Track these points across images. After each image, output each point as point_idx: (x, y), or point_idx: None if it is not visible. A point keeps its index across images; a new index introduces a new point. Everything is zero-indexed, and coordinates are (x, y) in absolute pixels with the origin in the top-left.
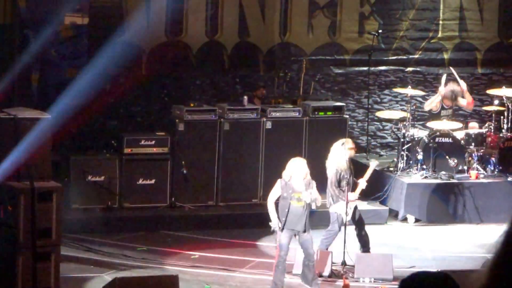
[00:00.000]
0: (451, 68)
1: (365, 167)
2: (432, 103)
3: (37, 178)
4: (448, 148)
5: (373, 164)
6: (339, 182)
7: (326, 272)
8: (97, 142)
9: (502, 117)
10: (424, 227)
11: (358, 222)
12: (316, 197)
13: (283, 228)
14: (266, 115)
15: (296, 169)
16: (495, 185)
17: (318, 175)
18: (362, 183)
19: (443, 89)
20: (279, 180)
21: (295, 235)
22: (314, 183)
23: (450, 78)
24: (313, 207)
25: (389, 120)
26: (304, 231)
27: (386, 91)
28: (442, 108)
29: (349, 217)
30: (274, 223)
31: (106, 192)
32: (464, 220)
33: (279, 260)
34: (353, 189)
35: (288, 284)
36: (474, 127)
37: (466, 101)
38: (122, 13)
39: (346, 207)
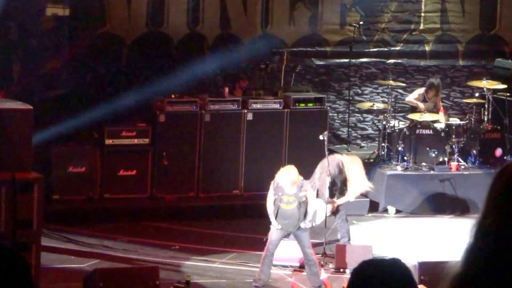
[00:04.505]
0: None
1: None
2: (411, 101)
3: (18, 169)
4: (429, 139)
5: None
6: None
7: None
8: (78, 133)
9: (482, 109)
10: (404, 218)
11: (340, 213)
12: (311, 209)
13: (280, 228)
14: (247, 106)
15: (283, 178)
16: (475, 176)
17: (299, 166)
18: (350, 197)
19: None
20: (272, 182)
21: (289, 234)
22: (307, 185)
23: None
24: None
25: (370, 112)
26: (298, 230)
27: (367, 83)
28: (424, 100)
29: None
30: (274, 225)
31: (87, 183)
32: (445, 211)
33: (266, 254)
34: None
35: (272, 277)
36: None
37: (440, 106)
38: (103, 4)
39: (326, 209)
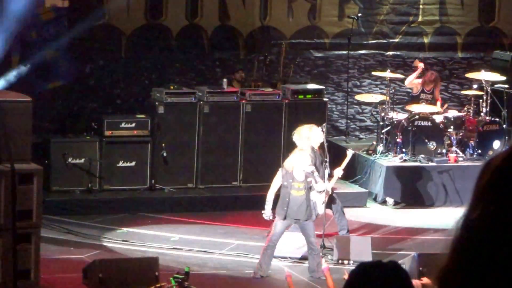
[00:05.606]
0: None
1: (342, 149)
2: (411, 81)
3: (17, 160)
4: (427, 131)
5: (350, 154)
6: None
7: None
8: (78, 125)
9: (481, 100)
10: (403, 209)
11: (336, 205)
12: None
13: (285, 218)
14: (245, 98)
15: (297, 161)
16: (473, 168)
17: None
18: (338, 172)
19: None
20: (280, 169)
21: (289, 226)
22: (314, 171)
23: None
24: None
25: (368, 103)
26: (306, 220)
27: (366, 75)
28: (422, 91)
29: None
30: (267, 214)
31: (86, 174)
32: (443, 203)
33: (269, 245)
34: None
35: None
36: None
37: (439, 97)
38: None
39: (325, 197)
